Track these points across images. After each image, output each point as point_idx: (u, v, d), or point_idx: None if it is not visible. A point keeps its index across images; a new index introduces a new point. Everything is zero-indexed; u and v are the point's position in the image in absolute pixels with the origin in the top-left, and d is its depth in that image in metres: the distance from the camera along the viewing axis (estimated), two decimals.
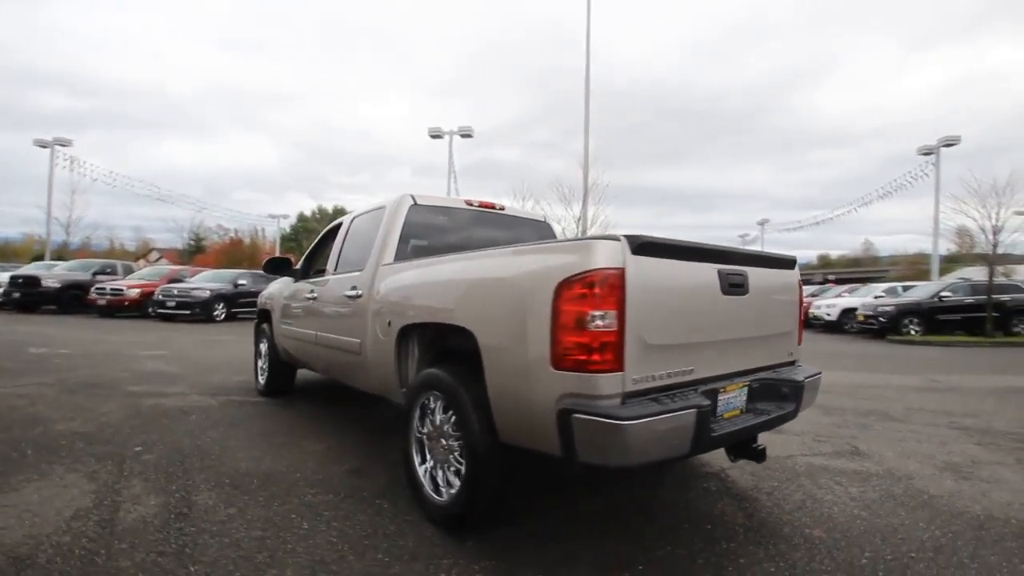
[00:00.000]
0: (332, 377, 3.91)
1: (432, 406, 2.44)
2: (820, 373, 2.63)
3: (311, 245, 4.56)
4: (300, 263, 4.54)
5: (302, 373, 5.06)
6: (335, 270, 3.74)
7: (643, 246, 1.80)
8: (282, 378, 4.87)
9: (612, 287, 1.71)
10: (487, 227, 3.67)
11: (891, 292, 16.42)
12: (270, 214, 42.57)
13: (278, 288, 4.87)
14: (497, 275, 2.04)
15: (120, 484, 2.70)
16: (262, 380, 5.05)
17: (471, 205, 3.59)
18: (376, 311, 2.91)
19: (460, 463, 2.23)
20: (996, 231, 12.76)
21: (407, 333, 2.70)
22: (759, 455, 2.37)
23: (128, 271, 17.00)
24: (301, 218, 60.67)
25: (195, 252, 44.54)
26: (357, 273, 3.26)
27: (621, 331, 1.72)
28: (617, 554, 2.12)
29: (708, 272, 2.09)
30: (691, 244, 2.05)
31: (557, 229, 4.47)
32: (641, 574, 1.98)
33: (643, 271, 1.79)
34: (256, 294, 16.27)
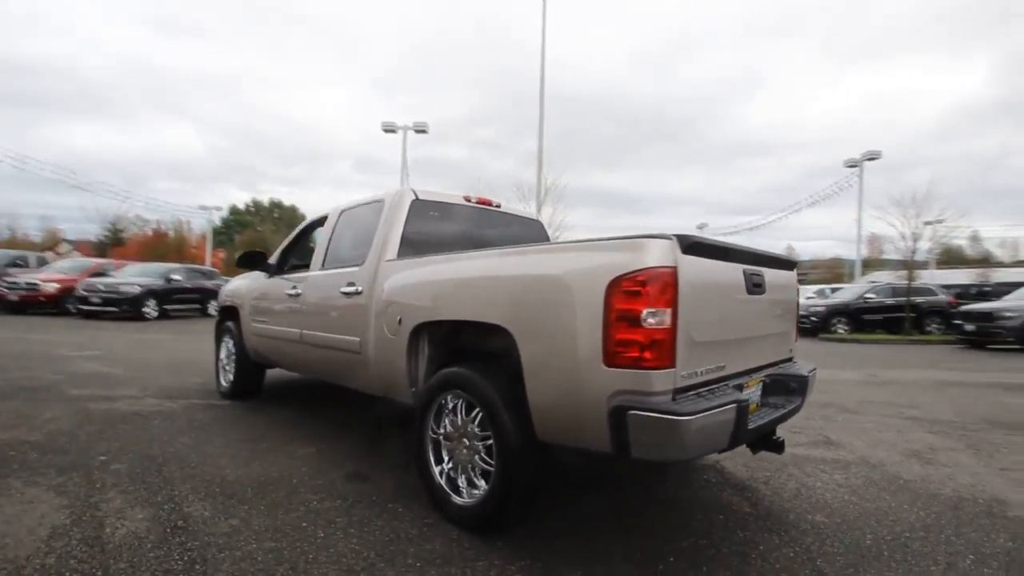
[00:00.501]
0: (319, 377, 3.72)
1: (450, 406, 2.38)
2: (816, 368, 2.79)
3: (287, 240, 4.31)
4: (275, 258, 4.29)
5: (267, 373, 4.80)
6: (323, 266, 3.56)
7: (691, 246, 1.84)
8: (250, 380, 4.59)
9: (666, 285, 1.73)
10: (484, 224, 3.62)
11: (820, 294, 17.73)
12: (201, 205, 39.74)
13: (247, 284, 4.58)
14: (539, 272, 2.01)
15: (95, 497, 2.44)
16: (225, 382, 4.73)
17: (469, 201, 3.52)
18: (382, 309, 2.80)
19: (487, 463, 2.19)
20: (915, 238, 14.10)
21: (418, 331, 2.62)
22: (779, 447, 2.48)
23: (42, 263, 15.43)
24: (233, 211, 57.14)
25: (113, 244, 40.71)
26: (355, 269, 3.11)
27: (674, 328, 1.75)
28: (645, 548, 2.15)
29: (737, 272, 2.16)
30: (725, 244, 2.12)
31: None
32: (674, 566, 2.02)
33: (690, 270, 1.83)
34: (191, 290, 15.55)
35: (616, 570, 1.98)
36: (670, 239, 1.78)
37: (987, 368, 8.35)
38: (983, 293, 18.96)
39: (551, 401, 1.94)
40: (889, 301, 14.24)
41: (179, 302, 15.02)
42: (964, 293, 18.23)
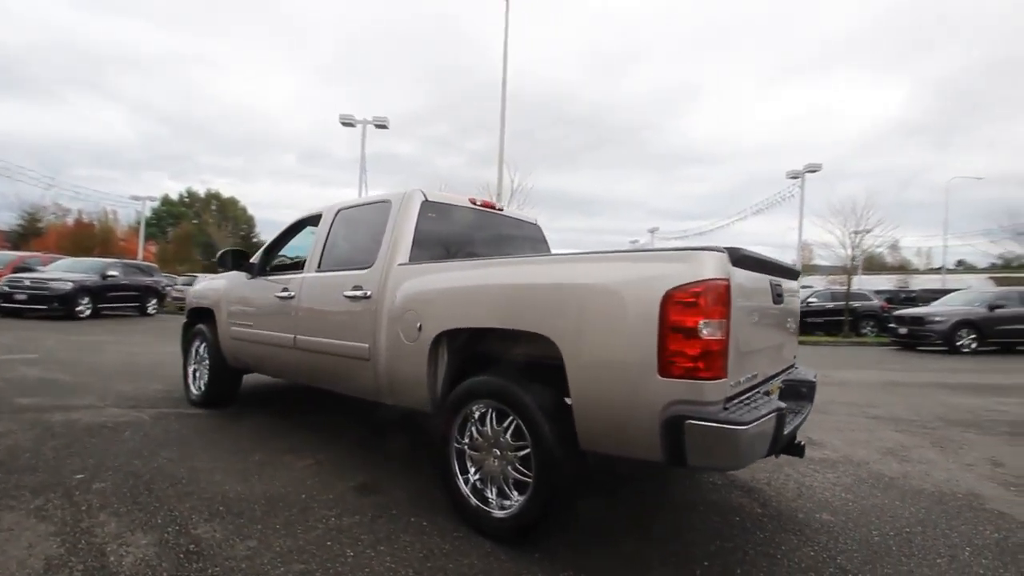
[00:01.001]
0: (311, 384, 3.55)
1: (477, 415, 2.33)
2: (818, 373, 2.94)
3: (272, 238, 4.09)
4: (257, 257, 4.05)
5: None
6: (319, 267, 3.40)
7: (738, 259, 1.89)
8: (226, 386, 4.32)
9: (721, 296, 1.77)
10: (487, 226, 3.57)
11: None
12: (133, 195, 36.86)
13: (223, 284, 4.30)
14: (587, 282, 2.00)
15: (86, 521, 2.22)
16: (196, 389, 4.43)
17: (475, 204, 3.47)
18: (398, 314, 2.70)
19: (522, 473, 2.16)
20: (855, 246, 15.19)
21: (439, 338, 2.55)
22: (800, 451, 2.58)
23: None
24: (166, 201, 53.41)
25: (31, 235, 37.11)
26: (361, 272, 2.99)
27: (727, 339, 1.78)
28: (676, 553, 2.19)
29: (765, 283, 2.24)
30: (760, 256, 2.18)
31: None
32: (709, 570, 2.07)
33: (739, 281, 1.88)
34: (129, 287, 14.53)
35: None
36: (723, 252, 1.82)
37: (924, 368, 9.09)
38: (910, 298, 20.65)
39: (599, 411, 1.93)
40: (829, 305, 15.27)
41: (115, 300, 14.00)
42: (894, 298, 19.76)
